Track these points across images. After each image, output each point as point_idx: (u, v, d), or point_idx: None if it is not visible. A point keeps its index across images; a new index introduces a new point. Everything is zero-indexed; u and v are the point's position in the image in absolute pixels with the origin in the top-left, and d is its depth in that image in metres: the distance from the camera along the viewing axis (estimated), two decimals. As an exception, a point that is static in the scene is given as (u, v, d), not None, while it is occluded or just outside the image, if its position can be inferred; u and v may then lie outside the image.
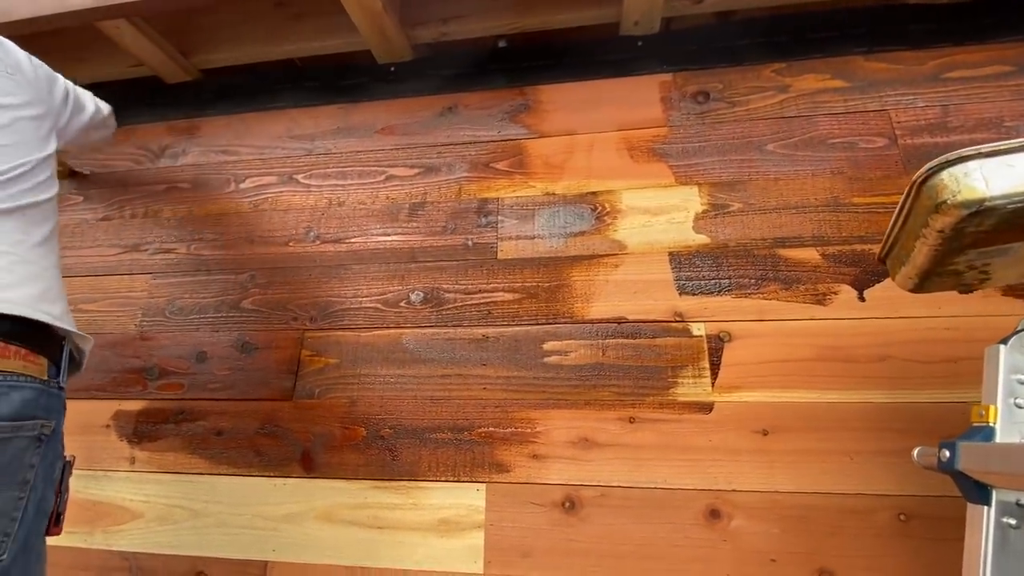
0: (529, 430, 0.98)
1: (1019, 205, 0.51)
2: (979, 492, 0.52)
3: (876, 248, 1.01)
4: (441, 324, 1.09)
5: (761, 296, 1.01)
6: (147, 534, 1.03)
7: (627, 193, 1.14)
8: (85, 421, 1.12)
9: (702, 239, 1.07)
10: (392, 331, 1.10)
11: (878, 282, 0.98)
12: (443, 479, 0.97)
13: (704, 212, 1.09)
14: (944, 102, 1.09)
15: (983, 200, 0.51)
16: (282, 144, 1.35)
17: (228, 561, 0.98)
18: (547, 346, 1.04)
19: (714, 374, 0.97)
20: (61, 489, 0.68)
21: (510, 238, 1.14)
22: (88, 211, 1.37)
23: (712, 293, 1.02)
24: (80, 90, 1.01)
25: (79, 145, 1.04)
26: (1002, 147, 0.52)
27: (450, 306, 1.10)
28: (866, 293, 0.98)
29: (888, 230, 0.67)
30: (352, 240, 1.21)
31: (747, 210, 1.08)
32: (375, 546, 0.95)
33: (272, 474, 1.03)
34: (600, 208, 1.13)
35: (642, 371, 0.99)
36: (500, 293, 1.10)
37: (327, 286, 1.17)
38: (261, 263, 1.22)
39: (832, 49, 1.18)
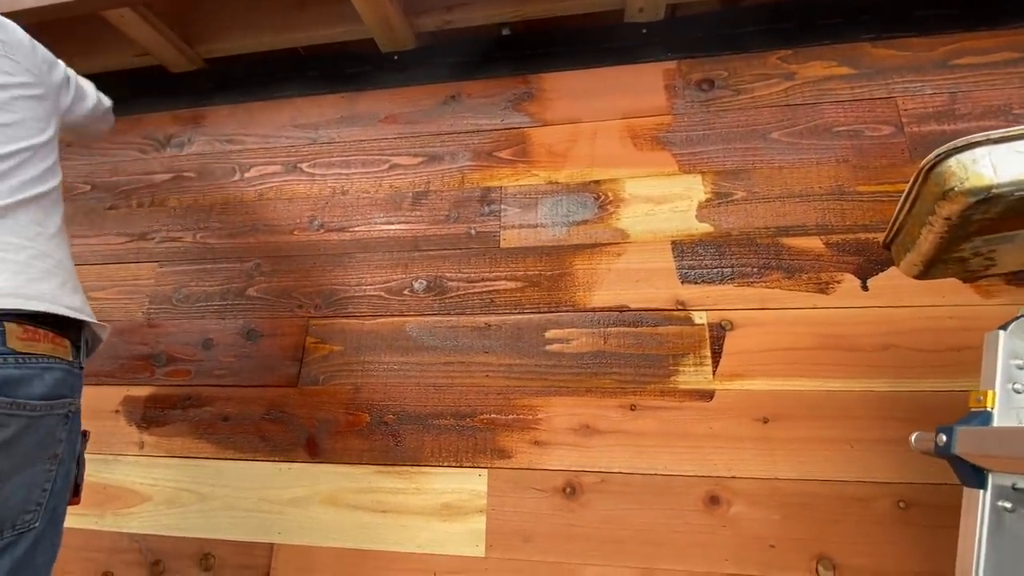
0: (531, 417, 0.99)
1: None
2: (975, 476, 0.52)
3: (880, 237, 1.01)
4: (444, 312, 1.10)
5: (764, 285, 1.01)
6: (156, 516, 1.05)
7: (630, 182, 1.13)
8: (95, 406, 1.14)
9: (705, 228, 1.07)
10: (396, 319, 1.11)
11: (882, 271, 0.98)
12: (445, 464, 0.99)
13: (707, 201, 1.09)
14: (952, 89, 1.08)
15: (990, 188, 0.51)
16: (286, 133, 1.35)
17: (235, 543, 1.00)
18: (549, 334, 1.04)
19: (715, 362, 0.97)
20: (80, 461, 0.71)
21: (513, 227, 1.14)
22: (95, 200, 1.38)
23: (714, 282, 1.02)
24: (82, 79, 1.00)
25: (77, 135, 1.03)
26: (1011, 133, 0.51)
27: (453, 294, 1.11)
28: (869, 282, 0.98)
29: (894, 216, 0.66)
30: (356, 229, 1.21)
31: (751, 199, 1.07)
32: (379, 529, 0.97)
33: (278, 459, 1.05)
34: (603, 197, 1.13)
35: (643, 359, 0.99)
36: (503, 281, 1.10)
37: (331, 274, 1.18)
38: (266, 251, 1.23)
39: (839, 35, 1.16)
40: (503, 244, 1.13)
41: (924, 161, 0.56)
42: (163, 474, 1.08)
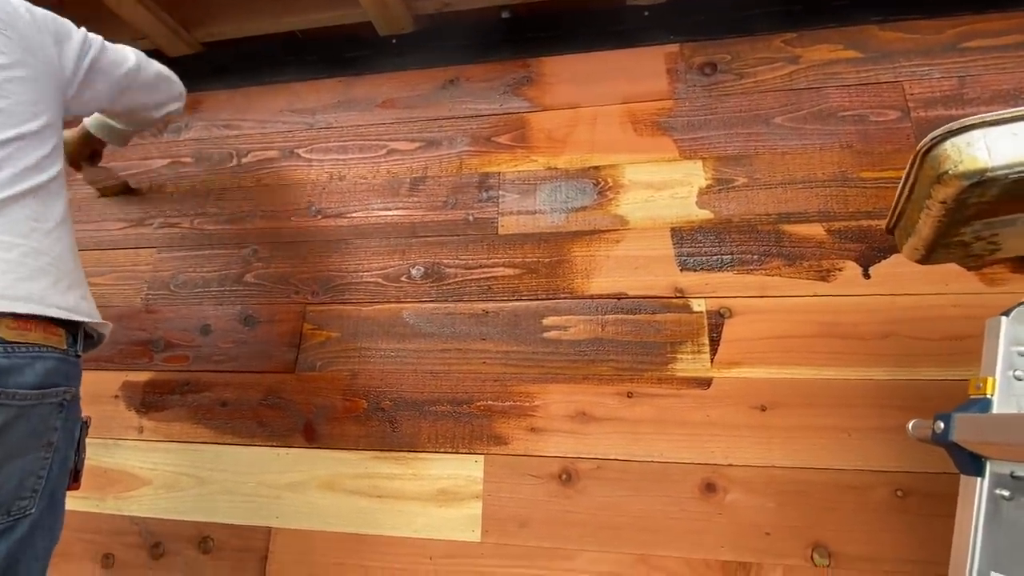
0: (527, 404, 0.99)
1: (1021, 175, 0.50)
2: (973, 464, 0.51)
3: (883, 224, 1.00)
4: (441, 299, 1.09)
5: (764, 272, 1.00)
6: (155, 500, 1.06)
7: (630, 167, 1.12)
8: (95, 391, 1.15)
9: (705, 214, 1.05)
10: (393, 305, 1.11)
11: (884, 259, 0.97)
12: (442, 450, 0.99)
13: (708, 187, 1.07)
14: (961, 73, 1.06)
15: (984, 171, 0.50)
16: (284, 118, 1.34)
17: (233, 527, 1.01)
18: (547, 321, 1.04)
19: (713, 350, 0.96)
20: (79, 448, 0.71)
21: (511, 213, 1.13)
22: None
23: (714, 269, 1.01)
24: (119, 46, 0.89)
25: (129, 109, 0.93)
26: (1006, 115, 0.50)
27: (450, 281, 1.10)
28: (871, 270, 0.97)
29: (895, 201, 0.65)
30: (353, 215, 1.20)
31: (752, 185, 1.06)
32: (375, 514, 0.97)
33: (275, 444, 1.05)
34: (602, 183, 1.12)
35: (641, 346, 0.99)
36: (500, 268, 1.09)
37: (328, 260, 1.17)
38: (263, 237, 1.23)
39: (846, 18, 1.14)
40: (501, 230, 1.12)
41: (920, 144, 0.55)
42: (162, 458, 1.09)
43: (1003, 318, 0.54)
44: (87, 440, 0.73)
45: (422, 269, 1.12)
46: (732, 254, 1.02)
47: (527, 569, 0.90)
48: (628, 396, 0.96)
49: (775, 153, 1.07)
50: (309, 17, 1.35)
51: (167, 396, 1.13)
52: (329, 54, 1.38)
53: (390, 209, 1.19)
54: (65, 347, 0.67)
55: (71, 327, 0.69)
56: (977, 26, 1.08)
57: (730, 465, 0.90)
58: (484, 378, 1.02)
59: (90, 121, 1.10)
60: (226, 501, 1.03)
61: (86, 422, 0.73)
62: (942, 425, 0.53)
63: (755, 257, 1.01)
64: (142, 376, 1.16)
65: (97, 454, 1.10)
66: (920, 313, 0.93)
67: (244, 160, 1.32)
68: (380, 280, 1.13)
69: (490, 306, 1.07)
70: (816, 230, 1.00)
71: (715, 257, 1.02)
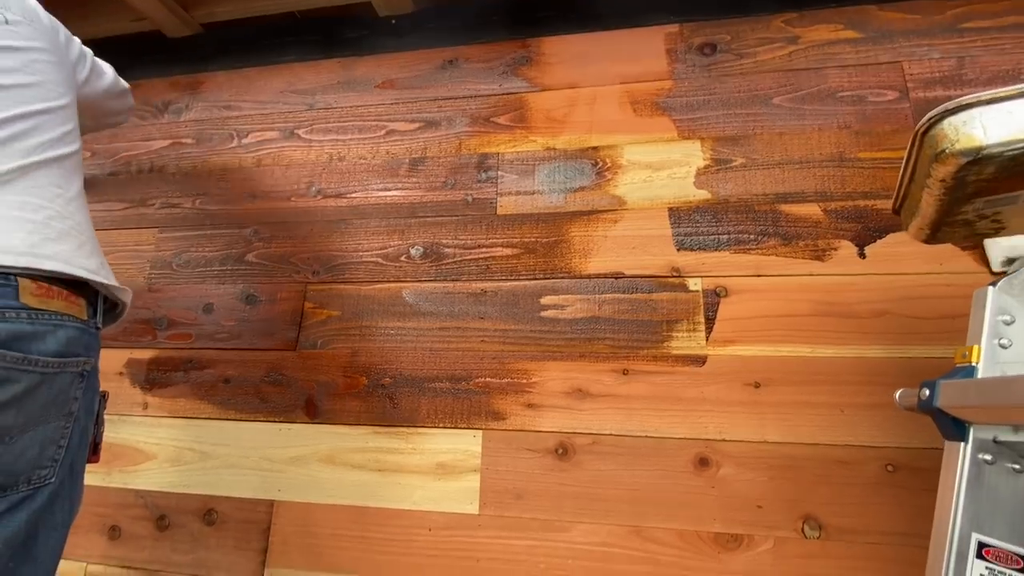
0: (525, 381, 1.00)
1: (1018, 152, 0.50)
2: (956, 429, 0.53)
3: (880, 204, 1.01)
4: (440, 278, 1.11)
5: (760, 252, 1.00)
6: (160, 474, 1.08)
7: (629, 148, 1.12)
8: (100, 368, 1.16)
9: (703, 194, 1.06)
10: (392, 285, 1.12)
11: (879, 238, 0.97)
12: (441, 426, 1.01)
13: (706, 167, 1.08)
14: (960, 54, 1.05)
15: (980, 148, 0.50)
16: (283, 99, 1.35)
17: (237, 500, 1.03)
18: (544, 300, 1.05)
19: (709, 328, 0.98)
20: (99, 420, 0.72)
21: (510, 193, 1.14)
22: (95, 167, 1.39)
23: (710, 249, 1.02)
24: (99, 59, 0.99)
25: (95, 116, 1.00)
26: (1001, 94, 0.51)
27: (449, 261, 1.11)
28: (867, 249, 0.97)
29: (898, 182, 0.66)
30: (353, 195, 1.21)
31: (750, 165, 1.06)
32: (376, 487, 0.99)
33: (277, 420, 1.07)
34: (601, 163, 1.12)
35: (637, 325, 1.00)
36: (499, 248, 1.10)
37: (329, 240, 1.18)
38: (264, 218, 1.24)
39: (846, -2, 1.13)
40: (500, 211, 1.13)
41: (919, 125, 0.56)
42: (167, 434, 1.11)
43: (990, 288, 0.55)
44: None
45: (421, 249, 1.13)
46: (729, 234, 1.02)
47: (523, 540, 0.92)
48: (624, 373, 0.98)
49: (773, 133, 1.07)
50: (309, -3, 1.35)
51: (171, 373, 1.15)
52: (328, 35, 1.38)
53: (389, 189, 1.20)
54: (86, 317, 0.68)
55: (91, 297, 0.70)
56: (976, 7, 1.08)
57: (723, 440, 0.92)
58: (482, 356, 1.04)
59: None
60: (229, 475, 1.05)
61: (104, 395, 0.74)
62: (927, 392, 0.54)
63: (752, 237, 1.02)
64: (146, 354, 1.18)
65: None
66: (915, 292, 0.94)
67: (245, 141, 1.32)
68: (380, 260, 1.15)
69: (488, 285, 1.08)
70: (813, 210, 1.01)
71: (712, 237, 1.03)
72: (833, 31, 1.12)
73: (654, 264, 1.03)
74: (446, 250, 1.12)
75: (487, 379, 1.02)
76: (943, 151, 0.53)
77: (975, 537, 0.50)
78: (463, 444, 0.99)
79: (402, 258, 1.14)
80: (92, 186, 1.36)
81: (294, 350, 1.11)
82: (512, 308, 1.06)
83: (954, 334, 0.91)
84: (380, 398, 1.05)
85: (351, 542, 0.97)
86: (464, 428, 1.00)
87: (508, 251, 1.10)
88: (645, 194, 1.08)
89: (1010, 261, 0.87)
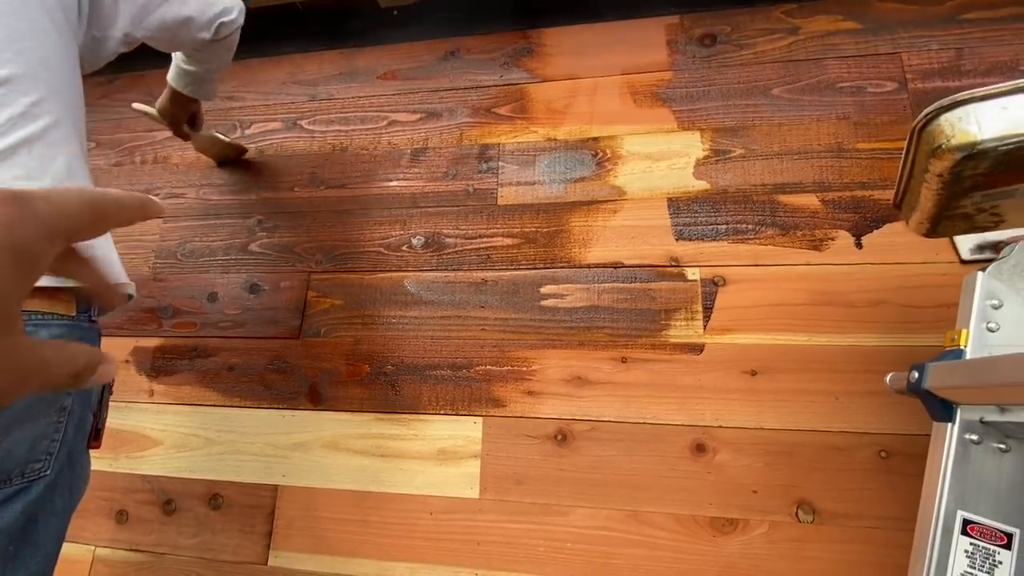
0: (525, 368, 1.02)
1: (1012, 147, 0.51)
2: (944, 410, 0.54)
3: (877, 194, 1.01)
4: (442, 268, 1.12)
5: (758, 241, 1.01)
6: (166, 460, 1.10)
7: (629, 139, 1.13)
8: (105, 356, 1.18)
9: (702, 185, 1.07)
10: (394, 274, 1.13)
11: (876, 228, 0.98)
12: (442, 412, 1.02)
13: (705, 158, 1.09)
14: (959, 45, 1.06)
15: (975, 144, 0.51)
16: (286, 90, 1.35)
17: (242, 484, 1.05)
18: (544, 289, 1.06)
19: (706, 317, 0.99)
20: (101, 408, 0.71)
21: (510, 184, 1.15)
22: (100, 157, 1.40)
23: (709, 239, 1.03)
24: None
25: (168, 39, 0.84)
26: (995, 90, 0.52)
27: (450, 250, 1.13)
28: (864, 239, 0.98)
29: (898, 176, 0.67)
30: (355, 186, 1.22)
31: (749, 156, 1.07)
32: (378, 472, 1.01)
33: (281, 406, 1.09)
34: (601, 154, 1.13)
35: (636, 314, 1.01)
36: (499, 238, 1.12)
37: (331, 230, 1.20)
38: (267, 208, 1.25)
39: (846, -11, 1.14)
40: (500, 201, 1.14)
41: (916, 121, 0.57)
42: (173, 420, 1.13)
43: (980, 273, 0.57)
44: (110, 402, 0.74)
45: (423, 239, 1.15)
46: (727, 224, 1.03)
47: (523, 524, 0.93)
48: (622, 361, 0.99)
49: (772, 124, 1.08)
50: (310, -12, 1.36)
51: (176, 361, 1.17)
52: (330, 26, 1.39)
53: (391, 180, 1.21)
54: (74, 313, 0.64)
55: (80, 291, 0.67)
56: (978, -3, 1.08)
57: (720, 427, 0.93)
58: (483, 344, 1.05)
59: (170, 75, 1.03)
60: (234, 460, 1.07)
61: (108, 384, 0.73)
62: (916, 374, 0.55)
63: (750, 227, 1.03)
64: (151, 342, 1.20)
65: (110, 416, 1.12)
66: (911, 282, 0.95)
67: (247, 131, 1.33)
68: (382, 250, 1.16)
69: (489, 275, 1.09)
70: (810, 200, 1.02)
71: (710, 227, 1.04)
72: (833, 22, 1.13)
73: (653, 254, 1.04)
74: (447, 240, 1.14)
75: (487, 367, 1.03)
76: (939, 147, 0.54)
77: (960, 514, 0.51)
78: (464, 430, 1.00)
79: (404, 248, 1.15)
80: (96, 176, 1.37)
81: (298, 338, 1.13)
82: (512, 297, 1.07)
83: (949, 323, 0.91)
84: (382, 385, 1.06)
85: (354, 526, 0.99)
86: (465, 415, 1.01)
87: (509, 241, 1.11)
88: (645, 184, 1.09)
89: (980, 248, 0.88)
